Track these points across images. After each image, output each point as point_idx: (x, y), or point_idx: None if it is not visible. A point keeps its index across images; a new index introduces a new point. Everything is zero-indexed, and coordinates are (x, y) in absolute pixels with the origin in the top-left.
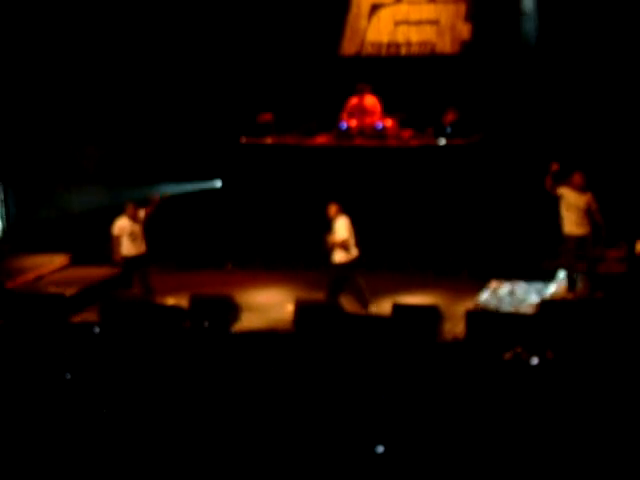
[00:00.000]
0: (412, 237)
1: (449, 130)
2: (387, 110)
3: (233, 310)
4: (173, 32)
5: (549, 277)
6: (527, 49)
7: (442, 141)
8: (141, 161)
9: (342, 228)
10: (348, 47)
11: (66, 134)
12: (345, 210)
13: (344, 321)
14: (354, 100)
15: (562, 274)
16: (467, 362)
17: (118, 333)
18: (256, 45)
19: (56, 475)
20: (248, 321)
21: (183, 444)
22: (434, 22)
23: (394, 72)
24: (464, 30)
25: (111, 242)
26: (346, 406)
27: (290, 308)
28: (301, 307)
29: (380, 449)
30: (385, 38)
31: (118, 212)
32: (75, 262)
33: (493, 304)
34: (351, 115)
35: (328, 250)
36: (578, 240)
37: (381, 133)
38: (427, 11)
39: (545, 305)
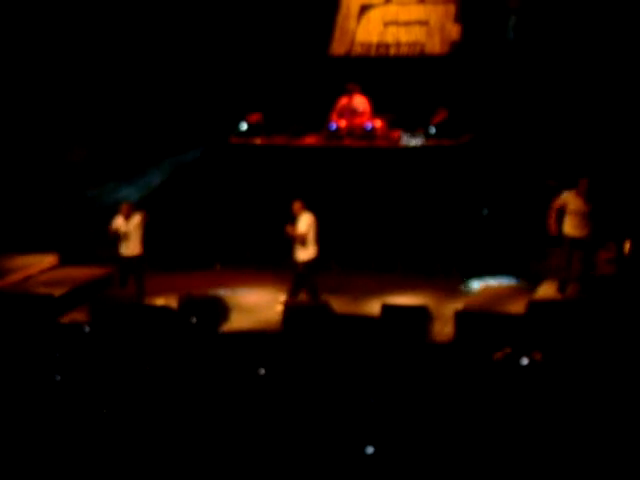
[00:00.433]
0: (401, 238)
1: (433, 131)
2: (376, 110)
3: (222, 310)
4: (164, 33)
5: (537, 278)
6: (515, 50)
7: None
8: (130, 160)
9: (304, 224)
10: (338, 47)
11: (54, 133)
12: (336, 210)
13: (333, 322)
14: (344, 100)
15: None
16: (456, 362)
17: (107, 333)
18: (245, 45)
19: (46, 475)
20: (237, 321)
21: (173, 444)
22: (423, 23)
23: (383, 72)
24: (453, 31)
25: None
26: (335, 407)
27: (279, 308)
28: (290, 308)
29: (370, 450)
30: (374, 38)
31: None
32: (64, 262)
33: None
34: (340, 115)
35: (290, 243)
36: (575, 242)
37: (370, 133)
38: (416, 12)
39: (534, 306)
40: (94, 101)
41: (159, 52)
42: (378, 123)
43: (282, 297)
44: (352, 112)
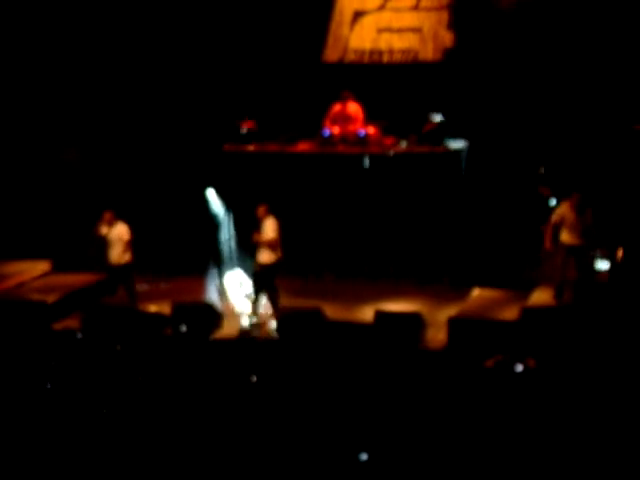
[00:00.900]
0: (394, 244)
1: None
2: (369, 117)
3: (215, 317)
4: (156, 40)
5: (532, 285)
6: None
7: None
8: (122, 167)
9: (270, 228)
10: (331, 54)
11: (47, 139)
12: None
13: (327, 328)
14: (337, 107)
15: None
16: (449, 369)
17: (100, 340)
18: (239, 52)
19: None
20: (230, 328)
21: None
22: (417, 30)
23: (377, 79)
24: (447, 38)
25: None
26: (329, 413)
27: (272, 315)
28: (284, 314)
29: (364, 456)
30: (368, 45)
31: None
32: (57, 268)
33: None
34: (334, 122)
35: (255, 248)
36: (570, 249)
37: (363, 140)
38: (410, 19)
39: (527, 312)
40: (88, 107)
41: (154, 59)
42: (371, 130)
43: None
44: (345, 119)
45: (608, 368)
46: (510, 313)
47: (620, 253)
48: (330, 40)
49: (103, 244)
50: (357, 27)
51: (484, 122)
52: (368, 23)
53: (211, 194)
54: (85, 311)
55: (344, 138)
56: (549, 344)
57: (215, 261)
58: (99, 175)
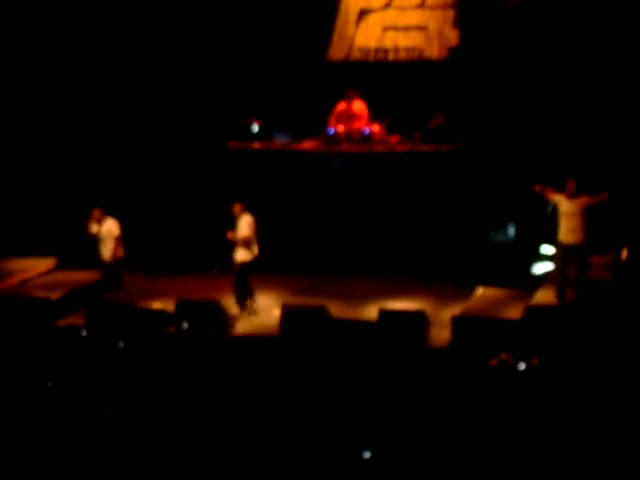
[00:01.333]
0: (399, 242)
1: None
2: (374, 115)
3: (219, 315)
4: (162, 38)
5: (536, 283)
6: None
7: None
8: (128, 164)
9: (245, 226)
10: (336, 52)
11: (52, 136)
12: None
13: (331, 326)
14: (342, 105)
15: None
16: (453, 368)
17: (104, 337)
18: (244, 50)
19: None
20: (234, 326)
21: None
22: (422, 28)
23: (382, 77)
24: (452, 36)
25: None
26: (333, 411)
27: (277, 313)
28: (288, 312)
29: (367, 455)
30: (373, 43)
31: None
32: (61, 265)
33: None
34: (339, 120)
35: (231, 246)
36: (567, 248)
37: (368, 138)
38: (415, 17)
39: (531, 311)
40: (94, 104)
41: (159, 57)
42: (376, 128)
43: (280, 302)
44: (350, 117)
45: (611, 367)
46: (514, 312)
47: (625, 253)
48: (335, 38)
49: (94, 242)
50: (362, 25)
51: (489, 120)
52: (373, 21)
53: None
54: (88, 308)
55: (349, 136)
56: (553, 343)
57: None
58: (105, 173)
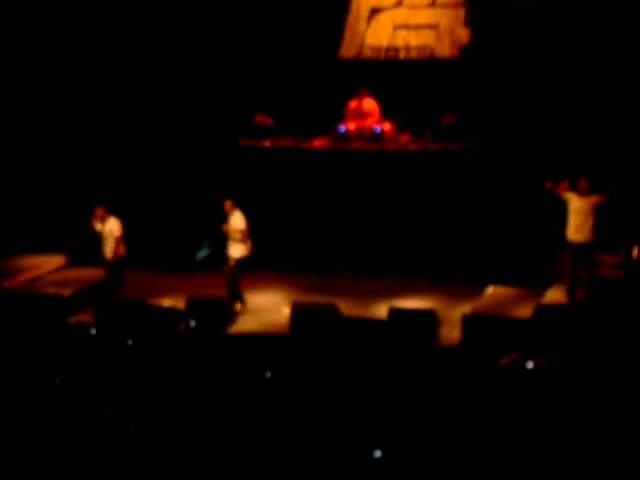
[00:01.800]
0: (409, 241)
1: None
2: (385, 114)
3: (229, 312)
4: (172, 35)
5: (546, 282)
6: (524, 53)
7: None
8: (139, 162)
9: (238, 221)
10: (347, 50)
11: (63, 133)
12: (345, 213)
13: (341, 324)
14: (353, 103)
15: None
16: (463, 366)
17: (113, 334)
18: (255, 48)
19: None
20: (244, 323)
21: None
22: (433, 26)
23: (393, 76)
24: (463, 35)
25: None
26: (343, 409)
27: (286, 311)
28: (298, 310)
29: (378, 453)
30: (384, 42)
31: None
32: (72, 262)
33: None
34: (349, 118)
35: (225, 242)
36: (575, 247)
37: (379, 136)
38: (426, 15)
39: (542, 310)
40: (103, 100)
41: (170, 54)
42: (387, 126)
43: (290, 300)
44: (361, 115)
45: (622, 366)
46: (524, 311)
47: (635, 252)
48: (346, 36)
49: (98, 239)
50: (374, 23)
51: (500, 119)
52: (384, 20)
53: None
54: (98, 305)
55: (359, 134)
56: (564, 342)
57: None
58: (116, 170)
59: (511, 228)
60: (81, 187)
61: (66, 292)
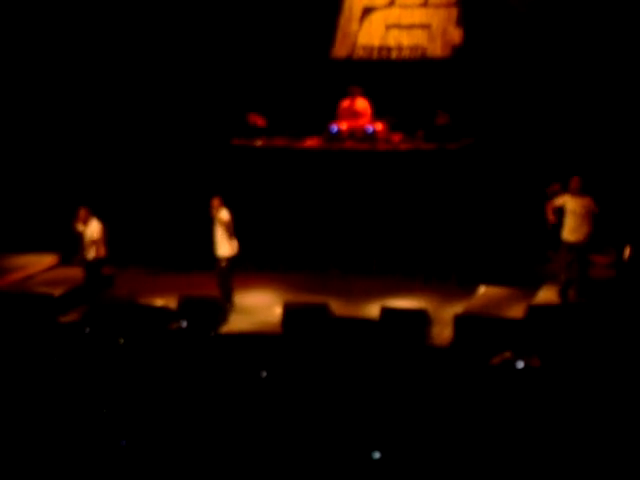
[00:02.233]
0: (401, 241)
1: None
2: (377, 114)
3: (221, 312)
4: (166, 35)
5: (539, 282)
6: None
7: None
8: (131, 161)
9: (227, 217)
10: (339, 50)
11: (56, 133)
12: (337, 213)
13: (332, 324)
14: (345, 103)
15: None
16: (455, 366)
17: (105, 334)
18: (248, 48)
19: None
20: (236, 323)
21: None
22: (425, 26)
23: (385, 76)
24: (455, 35)
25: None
26: (335, 410)
27: (278, 310)
28: (289, 310)
29: (377, 455)
30: (376, 42)
31: None
32: (64, 262)
33: None
34: (342, 118)
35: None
36: (570, 247)
37: (371, 136)
38: (419, 15)
39: (534, 310)
40: (96, 99)
41: (162, 54)
42: (379, 126)
43: (282, 299)
44: (353, 115)
45: (614, 366)
46: (516, 311)
47: (627, 252)
48: (339, 36)
49: (80, 240)
50: (366, 23)
51: (492, 119)
52: (377, 19)
53: None
54: (89, 305)
55: (352, 134)
56: (556, 342)
57: None
58: (109, 169)
59: (503, 228)
60: (73, 186)
61: (57, 291)
